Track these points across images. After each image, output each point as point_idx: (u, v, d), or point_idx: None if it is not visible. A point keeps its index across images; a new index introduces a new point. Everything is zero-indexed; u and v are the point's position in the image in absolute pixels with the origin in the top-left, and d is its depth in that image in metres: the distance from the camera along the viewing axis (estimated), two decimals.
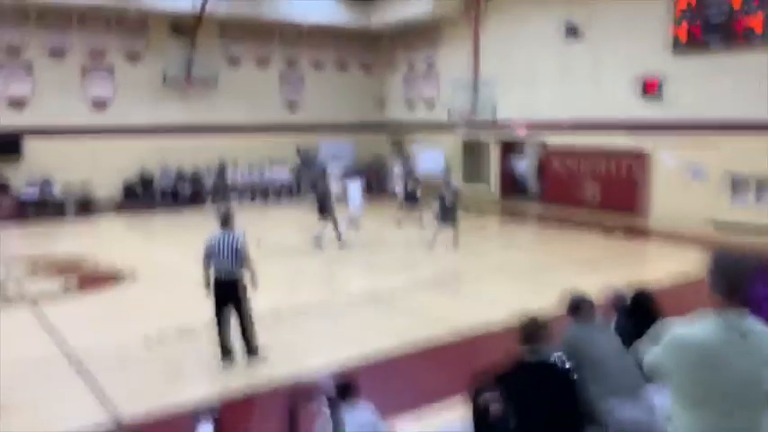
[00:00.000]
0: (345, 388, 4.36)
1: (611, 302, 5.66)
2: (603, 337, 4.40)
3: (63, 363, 7.43)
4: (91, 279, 11.50)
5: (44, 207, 19.86)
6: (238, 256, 7.13)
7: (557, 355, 3.69)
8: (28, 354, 7.71)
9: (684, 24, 16.23)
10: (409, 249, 13.84)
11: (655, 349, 2.91)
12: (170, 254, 13.72)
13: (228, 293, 7.20)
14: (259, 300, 9.61)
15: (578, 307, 4.58)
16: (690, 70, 16.39)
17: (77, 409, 6.21)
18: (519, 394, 3.92)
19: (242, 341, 7.34)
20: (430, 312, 9.23)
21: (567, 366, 3.24)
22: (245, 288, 7.30)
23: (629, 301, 5.49)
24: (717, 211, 15.94)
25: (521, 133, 20.84)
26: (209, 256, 7.18)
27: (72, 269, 12.25)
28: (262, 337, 8.23)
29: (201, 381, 6.98)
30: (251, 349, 7.36)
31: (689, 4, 16.07)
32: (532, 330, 4.13)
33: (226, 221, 7.38)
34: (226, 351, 7.28)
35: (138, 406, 6.21)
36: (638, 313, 5.28)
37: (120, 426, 5.89)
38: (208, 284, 7.30)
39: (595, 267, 11.91)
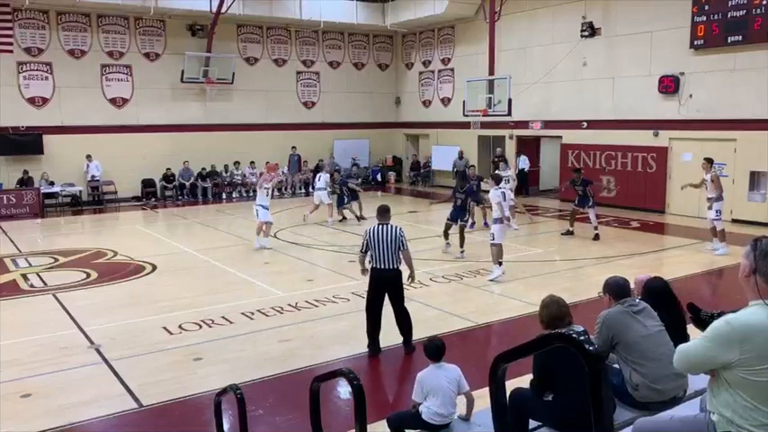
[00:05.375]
0: (436, 349, 4.69)
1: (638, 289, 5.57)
2: (644, 322, 4.26)
3: (86, 351, 7.58)
4: (112, 271, 11.67)
5: (65, 202, 20.34)
6: (396, 248, 7.15)
7: (580, 332, 3.71)
8: (52, 342, 7.86)
9: (703, 21, 16.12)
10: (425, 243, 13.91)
11: (704, 343, 2.71)
12: (189, 248, 13.86)
13: (386, 284, 7.25)
14: (284, 289, 9.76)
15: (616, 287, 4.50)
16: (708, 67, 16.29)
17: (101, 395, 6.33)
18: (543, 363, 3.96)
19: (401, 334, 7.36)
20: (453, 306, 9.28)
21: (589, 341, 3.24)
22: (401, 279, 7.35)
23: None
24: (735, 207, 15.84)
25: (536, 127, 20.90)
26: (368, 247, 7.22)
27: (93, 262, 12.44)
28: (286, 326, 8.36)
29: (221, 368, 7.05)
30: (409, 341, 7.35)
31: (708, 1, 15.96)
32: (555, 312, 4.14)
33: (383, 214, 7.41)
34: (374, 341, 7.32)
35: (158, 392, 6.32)
36: (652, 300, 5.18)
37: (142, 410, 5.99)
38: (365, 269, 7.51)
39: (613, 261, 11.91)
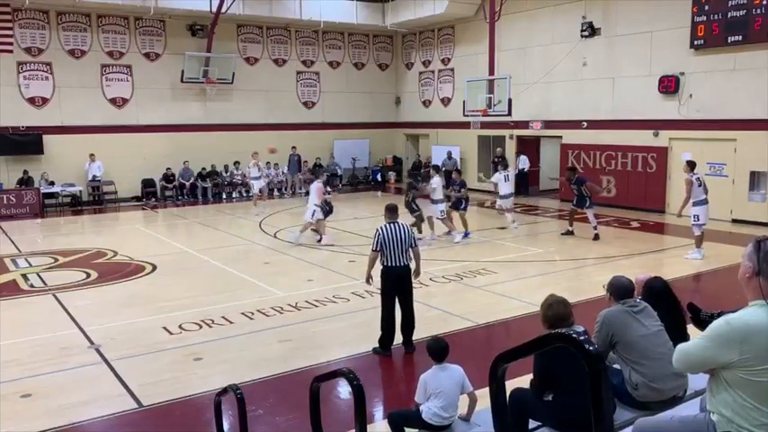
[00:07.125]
0: (440, 350, 4.68)
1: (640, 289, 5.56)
2: (643, 321, 4.26)
3: (86, 351, 7.58)
4: (112, 271, 11.66)
5: (65, 202, 20.35)
6: (408, 245, 7.24)
7: (580, 332, 3.70)
8: (52, 342, 7.86)
9: (703, 21, 16.11)
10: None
11: (704, 343, 2.70)
12: (189, 248, 13.85)
13: (400, 281, 7.27)
14: (284, 289, 9.75)
15: (619, 288, 4.49)
16: (708, 66, 16.28)
17: (101, 395, 6.32)
18: (543, 363, 3.96)
19: (403, 333, 7.36)
20: (453, 306, 9.28)
21: (589, 341, 3.23)
22: (411, 275, 7.41)
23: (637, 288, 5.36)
24: (735, 207, 15.83)
25: (536, 127, 20.90)
26: (381, 246, 7.16)
27: (93, 262, 12.43)
28: (286, 326, 8.34)
29: (221, 368, 7.05)
30: (410, 342, 7.37)
31: (708, 1, 15.95)
32: (560, 311, 4.14)
33: (392, 212, 7.46)
34: (390, 342, 7.28)
35: (158, 392, 6.32)
36: (652, 299, 5.18)
37: (142, 410, 5.99)
38: (371, 278, 7.43)
39: (613, 261, 11.91)
